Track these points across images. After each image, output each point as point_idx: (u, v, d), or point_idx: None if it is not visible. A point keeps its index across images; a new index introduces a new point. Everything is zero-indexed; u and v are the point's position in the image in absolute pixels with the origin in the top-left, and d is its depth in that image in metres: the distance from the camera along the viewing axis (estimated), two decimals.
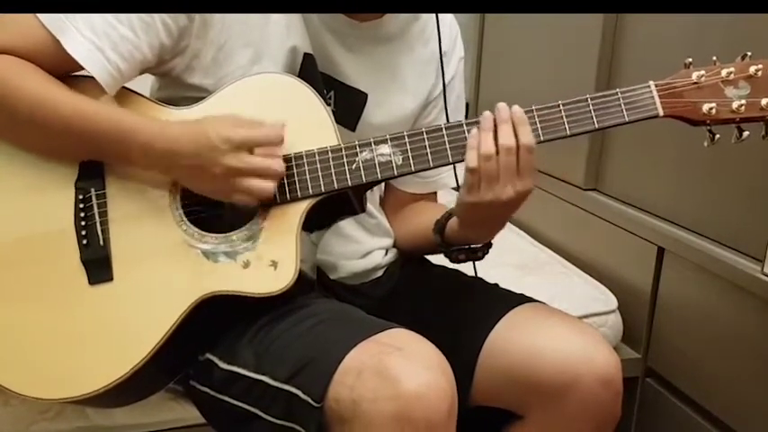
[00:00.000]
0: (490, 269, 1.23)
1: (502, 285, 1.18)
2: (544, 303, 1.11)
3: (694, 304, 1.43)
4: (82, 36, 0.95)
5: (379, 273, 1.20)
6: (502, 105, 0.97)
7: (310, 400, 0.89)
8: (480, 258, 1.12)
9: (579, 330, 1.03)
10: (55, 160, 0.99)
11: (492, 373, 1.04)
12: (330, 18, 1.05)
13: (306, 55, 1.04)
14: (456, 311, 1.11)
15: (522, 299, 1.11)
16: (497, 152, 0.94)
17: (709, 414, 1.41)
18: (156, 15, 0.96)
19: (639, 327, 1.56)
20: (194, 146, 0.93)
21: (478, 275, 1.21)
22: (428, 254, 1.23)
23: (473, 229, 1.05)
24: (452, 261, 1.13)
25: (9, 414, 1.19)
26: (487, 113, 0.96)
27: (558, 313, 1.09)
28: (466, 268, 1.20)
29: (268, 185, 0.94)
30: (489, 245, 1.10)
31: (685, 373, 1.47)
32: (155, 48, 0.98)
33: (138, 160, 0.96)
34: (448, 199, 1.19)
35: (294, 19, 1.03)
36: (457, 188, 1.09)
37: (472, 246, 1.10)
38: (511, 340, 1.04)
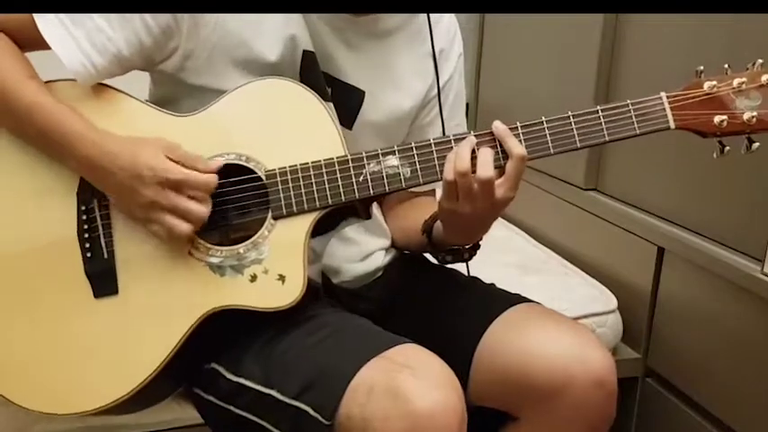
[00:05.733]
0: (490, 269, 1.23)
1: (501, 285, 1.17)
2: (539, 303, 1.11)
3: (694, 304, 1.43)
4: (59, 22, 0.96)
5: (379, 273, 1.20)
6: (494, 124, 0.97)
7: (321, 418, 0.89)
8: (467, 260, 1.12)
9: (573, 331, 1.03)
10: (57, 167, 0.98)
11: (486, 373, 1.04)
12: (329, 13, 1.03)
13: (306, 52, 1.03)
14: (451, 311, 1.11)
15: (517, 299, 1.10)
16: (474, 170, 0.93)
17: (710, 414, 1.40)
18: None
19: (639, 327, 1.56)
20: (121, 169, 0.93)
21: (477, 275, 1.21)
22: (422, 252, 1.22)
23: (455, 233, 1.05)
24: (439, 262, 1.13)
25: (9, 414, 1.19)
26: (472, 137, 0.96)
27: (553, 314, 1.09)
28: (462, 267, 1.20)
29: (184, 227, 0.93)
30: (477, 246, 1.10)
31: (685, 373, 1.46)
32: (132, 44, 0.97)
33: (70, 164, 0.96)
34: None
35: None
36: None
37: (458, 248, 1.10)
38: (505, 341, 1.04)
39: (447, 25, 1.16)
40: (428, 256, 1.25)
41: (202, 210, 0.94)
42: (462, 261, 1.12)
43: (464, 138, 0.96)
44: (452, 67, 1.17)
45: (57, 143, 0.95)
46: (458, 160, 0.93)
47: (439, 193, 1.25)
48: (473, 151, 0.94)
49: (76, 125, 0.95)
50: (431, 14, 1.11)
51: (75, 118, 0.95)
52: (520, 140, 0.96)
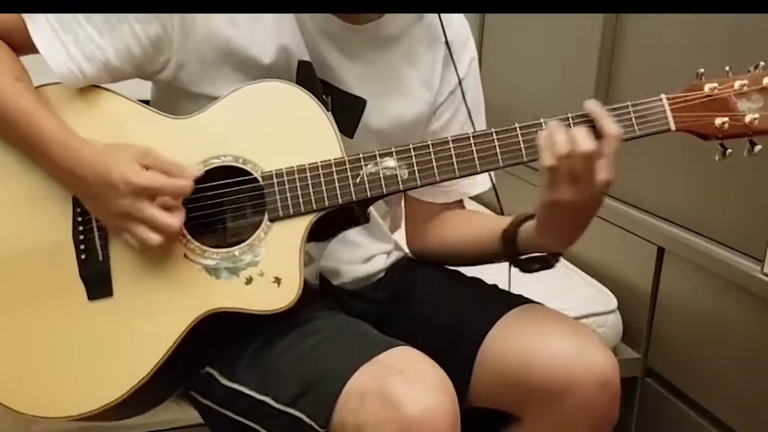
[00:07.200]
0: (490, 268, 1.23)
1: (502, 285, 1.17)
2: (541, 304, 1.10)
3: (694, 304, 1.43)
4: (49, 26, 0.96)
5: (381, 275, 1.19)
6: (586, 104, 0.95)
7: (315, 425, 0.89)
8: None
9: (576, 332, 1.03)
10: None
11: (489, 375, 1.04)
12: (325, 22, 1.02)
13: (302, 63, 1.01)
14: (454, 313, 1.10)
15: (519, 300, 1.10)
16: (573, 150, 0.90)
17: (710, 414, 1.40)
18: (123, 19, 0.96)
19: (639, 327, 1.56)
20: (95, 178, 0.92)
21: (478, 275, 1.20)
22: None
23: (551, 233, 1.00)
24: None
25: (9, 413, 1.19)
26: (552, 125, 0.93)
27: (555, 315, 1.08)
28: (463, 268, 1.20)
29: (154, 238, 0.92)
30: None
31: (685, 373, 1.46)
32: (121, 53, 0.97)
33: (46, 170, 0.96)
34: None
35: (285, 20, 1.00)
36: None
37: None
38: (507, 342, 1.03)
39: (457, 30, 1.14)
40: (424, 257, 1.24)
41: (174, 221, 0.92)
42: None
43: (462, 139, 0.96)
44: (464, 70, 1.16)
45: (35, 148, 0.95)
46: (556, 143, 0.90)
47: (467, 203, 1.22)
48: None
49: (55, 132, 0.94)
50: (441, 16, 1.10)
51: (54, 124, 0.95)
52: (521, 141, 0.95)
